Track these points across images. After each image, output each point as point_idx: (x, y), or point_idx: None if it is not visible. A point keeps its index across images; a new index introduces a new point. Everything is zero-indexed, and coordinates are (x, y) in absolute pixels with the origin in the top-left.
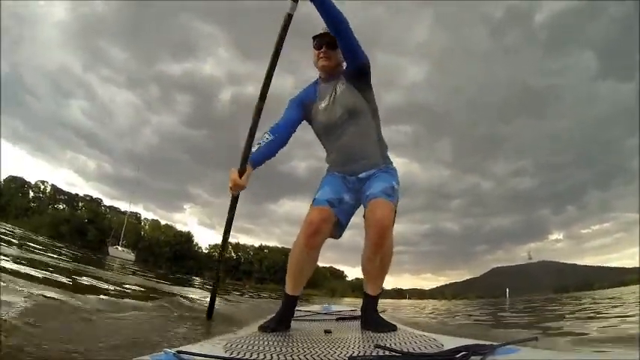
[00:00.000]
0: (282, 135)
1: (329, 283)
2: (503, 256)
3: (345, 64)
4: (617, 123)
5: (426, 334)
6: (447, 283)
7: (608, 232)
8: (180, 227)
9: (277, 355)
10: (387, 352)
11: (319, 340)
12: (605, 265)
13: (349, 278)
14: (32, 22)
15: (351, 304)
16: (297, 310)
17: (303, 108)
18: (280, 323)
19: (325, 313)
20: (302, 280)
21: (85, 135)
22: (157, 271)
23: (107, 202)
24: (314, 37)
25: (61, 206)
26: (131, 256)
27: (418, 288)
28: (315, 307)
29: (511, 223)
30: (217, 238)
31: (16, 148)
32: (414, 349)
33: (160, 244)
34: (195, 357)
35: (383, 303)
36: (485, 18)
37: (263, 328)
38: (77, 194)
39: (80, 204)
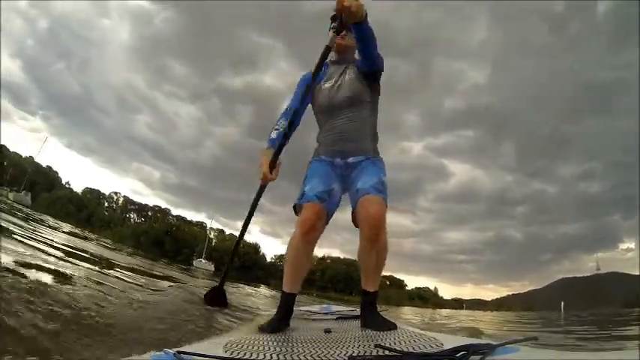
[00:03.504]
0: (294, 121)
1: (386, 292)
2: (569, 266)
3: (358, 55)
4: None
5: (425, 333)
6: (510, 294)
7: None
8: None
9: (277, 355)
10: (386, 352)
11: (319, 340)
12: None
13: (409, 287)
14: (99, 45)
15: (353, 305)
16: (297, 310)
17: (308, 89)
18: (280, 323)
19: (325, 313)
20: (300, 276)
21: (150, 147)
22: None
23: (173, 210)
24: (332, 17)
25: (132, 215)
26: (211, 267)
27: (480, 298)
28: (315, 308)
29: (578, 231)
30: (282, 248)
31: (88, 160)
32: (413, 349)
33: (230, 254)
34: (195, 357)
35: (438, 313)
36: (545, 12)
37: (263, 328)
38: (147, 204)
39: (149, 213)
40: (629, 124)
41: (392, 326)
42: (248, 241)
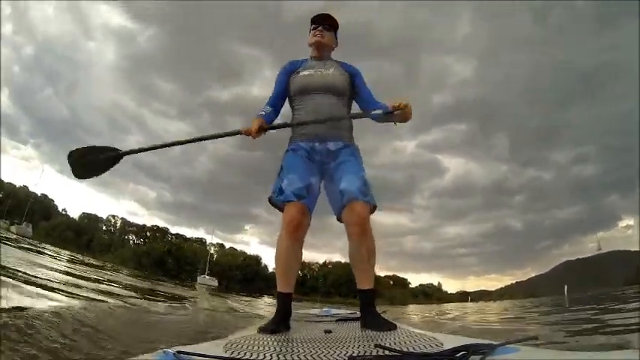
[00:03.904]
0: (277, 107)
1: (390, 291)
2: (570, 249)
3: (335, 47)
4: None
5: (425, 333)
6: (514, 282)
7: None
8: (242, 247)
9: (277, 355)
10: (386, 352)
11: (319, 340)
12: None
13: (412, 285)
14: (85, 67)
15: (357, 307)
16: (297, 313)
17: (288, 78)
18: (280, 324)
19: (325, 316)
20: (292, 275)
21: (144, 167)
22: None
23: (171, 229)
24: (313, 19)
25: (131, 237)
26: (215, 283)
27: (484, 289)
28: (315, 310)
29: (577, 214)
30: None
31: (81, 185)
32: (413, 349)
33: (232, 268)
34: (194, 357)
35: (446, 308)
36: (526, 2)
37: (263, 329)
38: (145, 225)
39: (148, 234)
40: (617, 108)
41: (392, 326)
42: (249, 253)
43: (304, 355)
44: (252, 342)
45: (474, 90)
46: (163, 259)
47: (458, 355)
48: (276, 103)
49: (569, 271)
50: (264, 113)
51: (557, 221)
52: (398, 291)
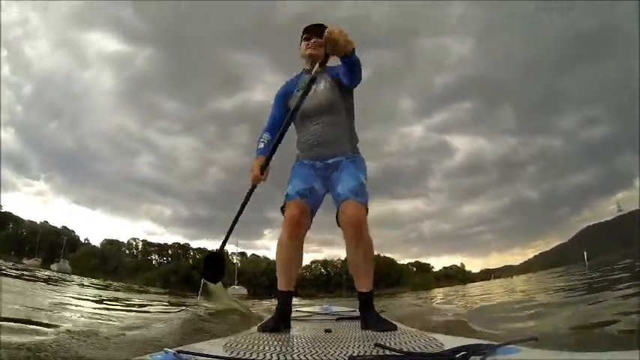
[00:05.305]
0: (275, 131)
1: (413, 278)
2: (590, 214)
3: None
4: None
5: (426, 333)
6: (538, 253)
7: None
8: (263, 252)
9: (277, 355)
10: (387, 352)
11: (319, 340)
12: None
13: (436, 269)
14: (86, 96)
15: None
16: (297, 311)
17: (285, 100)
18: (280, 323)
19: (325, 314)
20: (292, 274)
21: (156, 186)
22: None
23: (191, 243)
24: (305, 29)
25: (154, 257)
26: (244, 291)
27: (508, 265)
28: (315, 308)
29: (593, 177)
30: (306, 260)
31: (97, 212)
32: (414, 349)
33: (257, 274)
34: (195, 357)
35: (472, 287)
36: None
37: (263, 328)
38: (166, 243)
39: (170, 251)
40: (621, 65)
41: (392, 327)
42: (270, 257)
43: (304, 355)
44: (252, 341)
45: (475, 67)
46: (190, 276)
47: (458, 355)
48: (274, 128)
49: (592, 236)
50: (262, 146)
51: (573, 187)
52: (422, 277)
